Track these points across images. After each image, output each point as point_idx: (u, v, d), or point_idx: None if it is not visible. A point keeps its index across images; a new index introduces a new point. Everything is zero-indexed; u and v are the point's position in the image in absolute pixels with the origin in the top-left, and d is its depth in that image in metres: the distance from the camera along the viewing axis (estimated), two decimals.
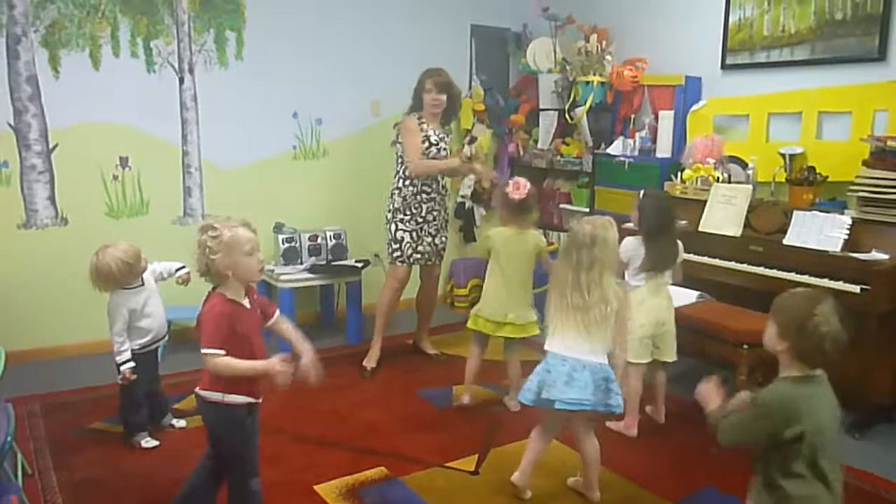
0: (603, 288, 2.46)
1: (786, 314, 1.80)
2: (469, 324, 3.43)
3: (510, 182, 3.35)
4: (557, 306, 2.51)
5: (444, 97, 3.87)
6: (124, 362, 2.90)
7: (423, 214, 3.96)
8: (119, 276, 2.85)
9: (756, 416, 1.77)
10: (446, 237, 4.12)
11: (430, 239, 4.00)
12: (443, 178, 4.02)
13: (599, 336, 2.46)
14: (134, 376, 2.91)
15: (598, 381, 2.45)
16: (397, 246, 3.97)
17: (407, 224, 3.95)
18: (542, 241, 3.42)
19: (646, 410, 3.31)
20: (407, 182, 3.92)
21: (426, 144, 3.87)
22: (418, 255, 3.99)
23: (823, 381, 1.82)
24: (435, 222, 4.00)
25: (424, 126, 3.90)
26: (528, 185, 3.31)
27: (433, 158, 3.89)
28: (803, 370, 1.78)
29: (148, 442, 2.99)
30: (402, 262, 3.98)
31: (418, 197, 3.93)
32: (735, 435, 1.83)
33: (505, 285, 3.32)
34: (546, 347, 2.54)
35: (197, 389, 2.23)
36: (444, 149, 3.94)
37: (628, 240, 3.11)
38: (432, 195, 3.96)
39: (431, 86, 3.85)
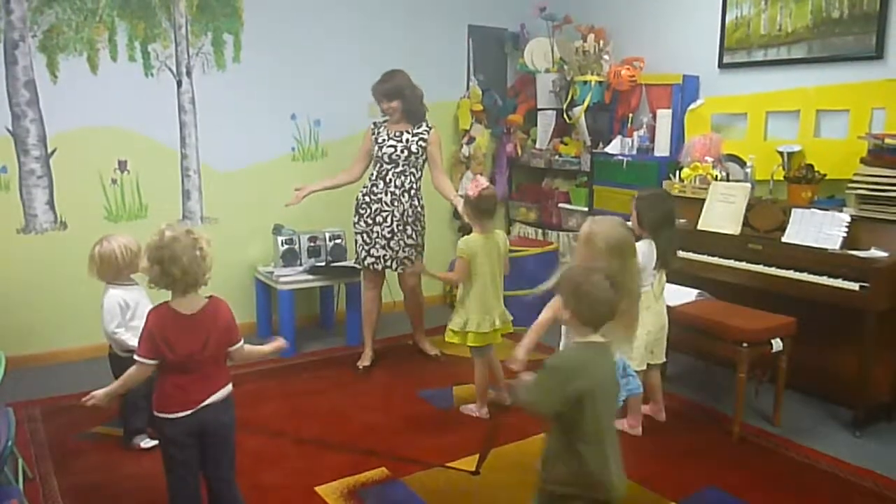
0: None
1: (566, 286, 1.98)
2: (470, 341, 3.26)
3: (472, 181, 3.34)
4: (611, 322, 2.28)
5: (394, 104, 3.87)
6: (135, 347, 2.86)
7: (372, 217, 3.94)
8: (122, 264, 2.87)
9: (547, 375, 1.91)
10: (414, 240, 3.97)
11: (383, 242, 3.93)
12: (399, 178, 3.90)
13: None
14: None
15: (620, 372, 2.49)
16: (356, 250, 4.05)
17: (357, 227, 4.00)
18: (507, 242, 3.37)
19: (644, 410, 3.30)
20: (361, 186, 4.01)
21: (376, 147, 3.93)
22: (373, 259, 3.96)
23: (607, 348, 1.98)
24: (388, 224, 3.91)
25: (380, 130, 3.96)
26: (488, 184, 3.28)
27: (380, 158, 3.91)
28: (587, 335, 1.95)
29: (147, 443, 2.99)
30: (359, 265, 4.04)
31: (366, 198, 3.96)
32: (530, 395, 1.94)
33: (484, 292, 3.25)
34: None
35: (229, 391, 2.22)
36: (393, 145, 3.89)
37: (640, 244, 3.06)
38: (380, 196, 3.92)
39: (380, 96, 3.90)
